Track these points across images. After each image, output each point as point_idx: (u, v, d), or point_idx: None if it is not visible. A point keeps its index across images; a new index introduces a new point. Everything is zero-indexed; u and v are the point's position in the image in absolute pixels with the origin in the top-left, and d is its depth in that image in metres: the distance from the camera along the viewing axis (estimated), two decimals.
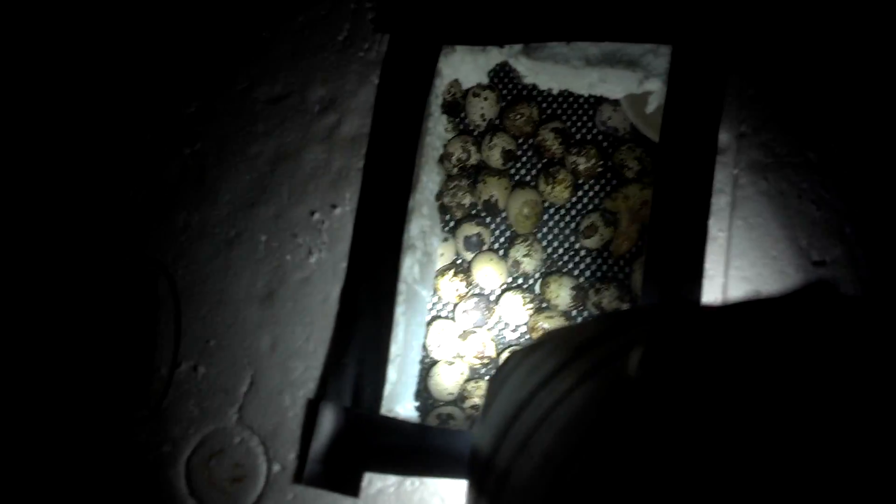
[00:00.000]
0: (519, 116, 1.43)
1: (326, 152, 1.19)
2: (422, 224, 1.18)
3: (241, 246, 1.21)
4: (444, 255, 1.43)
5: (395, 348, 1.12)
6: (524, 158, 1.46)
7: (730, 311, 0.49)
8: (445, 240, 1.46)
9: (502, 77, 1.51)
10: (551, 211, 1.36)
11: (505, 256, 1.33)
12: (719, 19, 1.03)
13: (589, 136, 1.41)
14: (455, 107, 1.50)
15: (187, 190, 1.26)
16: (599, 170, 1.35)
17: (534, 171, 1.45)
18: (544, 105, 1.47)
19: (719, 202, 0.98)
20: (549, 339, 0.59)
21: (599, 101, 1.42)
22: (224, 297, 1.20)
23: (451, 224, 1.45)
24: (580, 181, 1.36)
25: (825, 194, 0.93)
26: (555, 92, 1.29)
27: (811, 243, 0.92)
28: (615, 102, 1.37)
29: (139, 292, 1.25)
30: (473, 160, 1.47)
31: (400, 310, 1.13)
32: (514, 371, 0.57)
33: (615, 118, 1.39)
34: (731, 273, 0.95)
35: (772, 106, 0.98)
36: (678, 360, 0.41)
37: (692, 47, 1.04)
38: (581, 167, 1.35)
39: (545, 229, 1.33)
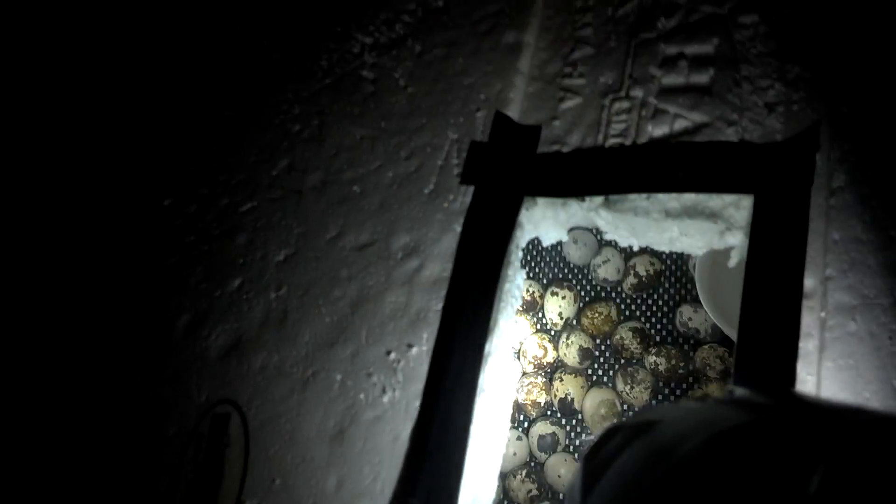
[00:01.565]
0: (597, 315, 1.48)
1: (406, 295, 1.25)
2: (498, 369, 1.20)
3: (316, 385, 1.25)
4: (517, 454, 1.44)
5: (465, 494, 1.11)
6: (601, 358, 1.49)
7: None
8: (519, 439, 1.47)
9: (580, 278, 1.58)
10: (630, 413, 1.36)
11: (580, 458, 1.32)
12: (801, 167, 1.07)
13: (669, 338, 1.43)
14: (533, 305, 1.57)
15: (269, 331, 1.33)
16: (680, 371, 1.36)
17: (611, 372, 1.47)
18: (623, 306, 1.52)
19: (807, 346, 0.97)
20: (661, 419, 0.55)
21: (679, 302, 1.46)
22: (295, 436, 1.22)
23: (525, 423, 1.46)
24: (660, 382, 1.37)
25: None
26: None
27: None
28: (695, 303, 1.40)
29: (211, 432, 1.29)
30: (549, 358, 1.51)
31: (471, 454, 1.13)
32: (620, 453, 0.53)
33: (695, 319, 1.42)
34: None
35: (858, 249, 0.99)
36: (861, 489, 0.41)
37: (774, 196, 1.08)
38: (661, 368, 1.36)
39: None
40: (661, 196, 1.19)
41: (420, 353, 1.20)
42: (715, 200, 1.15)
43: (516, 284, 1.26)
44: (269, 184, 1.48)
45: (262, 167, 1.50)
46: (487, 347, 1.18)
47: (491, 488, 1.19)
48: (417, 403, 1.16)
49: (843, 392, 0.93)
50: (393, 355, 1.21)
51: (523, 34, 1.40)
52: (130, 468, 1.35)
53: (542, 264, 1.68)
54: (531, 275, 1.67)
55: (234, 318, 1.37)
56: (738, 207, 1.14)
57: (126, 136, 1.71)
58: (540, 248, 1.70)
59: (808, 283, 1.01)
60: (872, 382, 0.92)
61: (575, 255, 1.62)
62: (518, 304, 1.28)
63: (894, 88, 1.06)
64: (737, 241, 1.17)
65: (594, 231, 1.63)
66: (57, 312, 1.56)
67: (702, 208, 1.17)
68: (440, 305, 1.22)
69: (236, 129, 1.58)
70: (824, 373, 0.95)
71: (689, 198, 1.17)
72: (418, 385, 1.17)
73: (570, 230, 1.65)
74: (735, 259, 1.19)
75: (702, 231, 1.20)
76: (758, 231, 1.07)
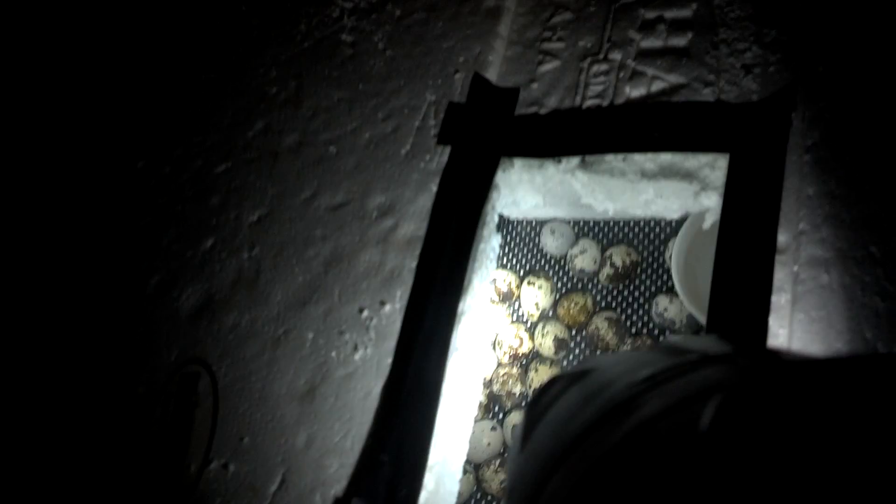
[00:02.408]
0: (573, 305, 1.48)
1: (381, 254, 1.24)
2: (471, 328, 1.20)
3: (288, 343, 1.24)
4: (490, 444, 1.43)
5: (435, 453, 1.10)
6: (577, 349, 1.49)
7: (801, 373, 0.48)
8: (493, 429, 1.46)
9: (556, 269, 1.58)
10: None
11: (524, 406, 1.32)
12: (776, 127, 1.08)
13: (644, 329, 1.44)
14: (509, 296, 1.56)
15: (241, 291, 1.32)
16: None
17: None
18: (599, 297, 1.52)
19: (779, 300, 0.98)
20: (597, 367, 0.57)
21: (655, 293, 1.46)
22: (265, 394, 1.21)
23: (500, 414, 1.46)
24: None
25: (889, 287, 0.92)
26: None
27: (877, 335, 0.90)
28: (672, 294, 1.41)
29: (179, 392, 1.28)
30: (525, 348, 1.50)
31: (443, 412, 1.12)
32: (558, 399, 0.55)
33: (671, 310, 1.42)
34: None
35: (832, 204, 1.00)
36: (749, 425, 0.42)
37: (750, 155, 1.08)
38: None
39: None
40: (637, 157, 1.19)
41: (393, 310, 1.19)
42: (691, 161, 1.15)
43: (491, 246, 1.26)
44: (244, 145, 1.47)
45: (237, 129, 1.49)
46: (461, 307, 1.17)
47: (462, 447, 1.19)
48: (389, 361, 1.15)
49: (815, 344, 0.93)
50: (366, 313, 1.21)
51: None
52: (99, 426, 1.33)
53: (520, 255, 1.67)
54: (508, 265, 1.66)
55: (206, 278, 1.36)
56: (714, 168, 1.14)
57: (103, 99, 1.69)
58: (517, 238, 1.69)
59: (782, 238, 1.01)
60: (844, 333, 0.92)
61: (552, 245, 1.62)
62: (493, 266, 1.28)
63: (869, 46, 1.07)
64: (711, 202, 1.17)
65: (571, 222, 1.63)
66: (26, 272, 1.54)
67: (677, 169, 1.17)
68: (414, 264, 1.21)
69: (213, 92, 1.57)
70: (796, 325, 0.95)
71: (665, 158, 1.17)
72: (391, 342, 1.17)
73: (547, 222, 1.65)
74: (709, 221, 1.19)
75: (677, 192, 1.20)
76: (732, 188, 1.07)
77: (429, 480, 1.09)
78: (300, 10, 1.57)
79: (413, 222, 1.25)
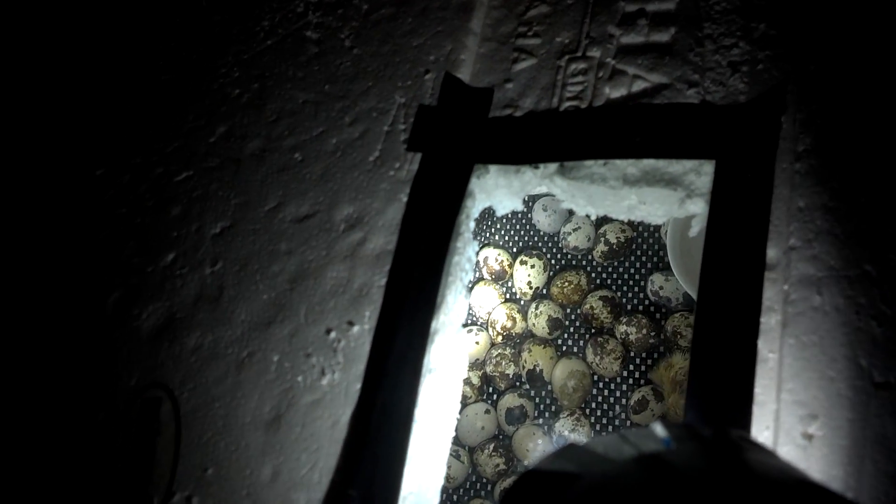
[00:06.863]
0: (567, 284, 1.43)
1: (348, 269, 1.18)
2: (446, 347, 1.14)
3: (252, 367, 1.18)
4: (485, 427, 1.40)
5: (408, 483, 1.05)
6: (571, 328, 1.45)
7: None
8: (487, 412, 1.43)
9: (550, 246, 1.54)
10: (600, 384, 1.33)
11: (549, 431, 1.29)
12: (765, 131, 1.02)
13: (640, 307, 1.40)
14: (501, 274, 1.52)
15: (203, 310, 1.26)
16: (651, 341, 1.32)
17: (581, 342, 1.43)
18: (593, 274, 1.48)
19: (769, 321, 0.92)
20: (572, 460, 0.57)
21: (650, 270, 1.42)
22: (229, 422, 1.16)
23: (494, 395, 1.42)
24: (631, 352, 1.34)
25: (887, 310, 0.87)
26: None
27: (872, 363, 0.85)
28: (667, 271, 1.37)
29: (140, 418, 1.22)
30: (518, 328, 1.46)
31: (416, 439, 1.07)
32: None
33: (667, 287, 1.38)
34: (783, 397, 0.88)
35: (824, 217, 0.94)
36: None
37: (737, 162, 1.02)
38: (632, 337, 1.33)
39: (593, 403, 1.30)
40: (618, 162, 1.13)
41: (362, 331, 1.13)
42: (675, 166, 1.09)
43: (466, 257, 1.20)
44: (205, 152, 1.40)
45: (198, 134, 1.43)
46: (434, 325, 1.11)
47: (438, 475, 1.13)
48: (358, 386, 1.10)
49: (807, 372, 0.87)
50: (333, 334, 1.15)
51: None
52: (57, 455, 1.28)
53: (512, 232, 1.63)
54: (501, 243, 1.62)
55: (167, 296, 1.30)
56: (700, 174, 1.08)
57: (58, 102, 1.62)
58: (509, 215, 1.65)
59: (771, 253, 0.95)
60: (838, 361, 0.87)
61: (544, 222, 1.58)
62: (469, 278, 1.22)
63: (865, 43, 1.00)
64: (698, 209, 1.11)
65: None
66: None
67: (661, 175, 1.11)
68: (384, 281, 1.16)
69: (173, 95, 1.50)
70: (786, 350, 0.90)
71: (648, 163, 1.11)
72: (360, 366, 1.11)
73: (540, 197, 1.60)
74: (696, 228, 1.14)
75: (661, 199, 1.15)
76: (718, 199, 1.02)
77: None
78: (263, 5, 1.50)
79: (382, 236, 1.19)
